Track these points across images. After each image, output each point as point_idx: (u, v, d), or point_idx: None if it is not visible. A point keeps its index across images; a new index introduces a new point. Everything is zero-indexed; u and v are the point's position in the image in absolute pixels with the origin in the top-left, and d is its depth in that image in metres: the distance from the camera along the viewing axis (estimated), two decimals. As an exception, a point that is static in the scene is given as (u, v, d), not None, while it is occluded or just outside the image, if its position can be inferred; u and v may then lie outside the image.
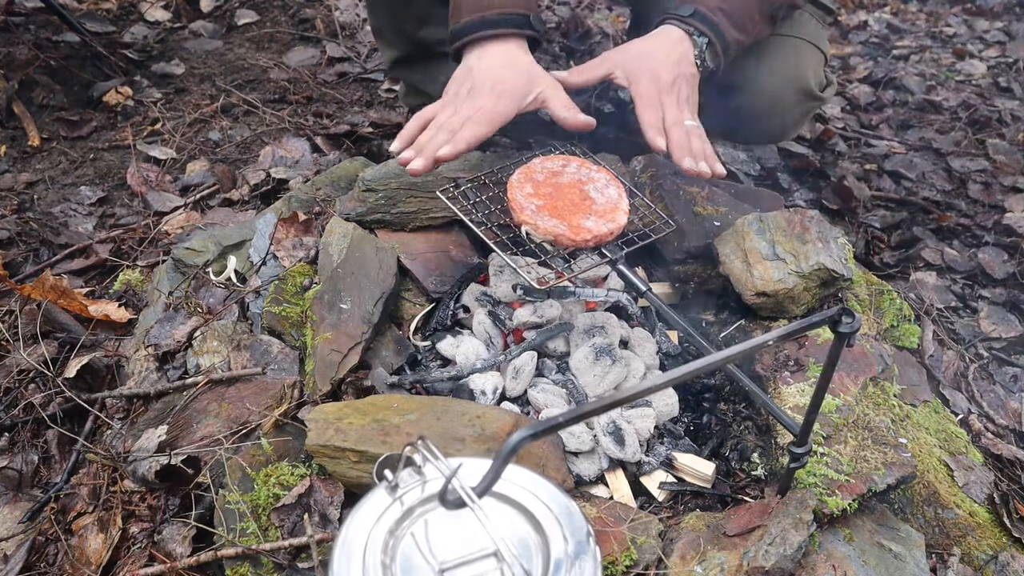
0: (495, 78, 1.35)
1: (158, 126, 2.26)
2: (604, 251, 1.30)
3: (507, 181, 1.34)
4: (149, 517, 1.16)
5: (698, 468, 1.25)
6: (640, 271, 1.60)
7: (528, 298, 1.39)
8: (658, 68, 1.39)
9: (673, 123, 1.36)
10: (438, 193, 1.36)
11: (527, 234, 1.27)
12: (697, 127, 1.38)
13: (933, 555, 1.20)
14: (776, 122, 1.73)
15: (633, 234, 1.35)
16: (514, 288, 1.40)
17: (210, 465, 1.16)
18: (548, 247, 1.28)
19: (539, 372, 1.36)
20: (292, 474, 1.14)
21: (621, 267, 1.31)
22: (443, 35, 1.86)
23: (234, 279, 1.53)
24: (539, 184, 1.31)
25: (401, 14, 1.81)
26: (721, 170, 1.36)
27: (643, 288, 1.30)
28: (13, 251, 1.77)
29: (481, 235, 1.29)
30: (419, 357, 1.43)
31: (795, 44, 1.67)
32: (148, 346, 1.39)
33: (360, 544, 0.63)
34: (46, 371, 1.38)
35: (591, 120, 1.39)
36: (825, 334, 1.35)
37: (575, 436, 1.22)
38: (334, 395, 1.26)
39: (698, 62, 1.42)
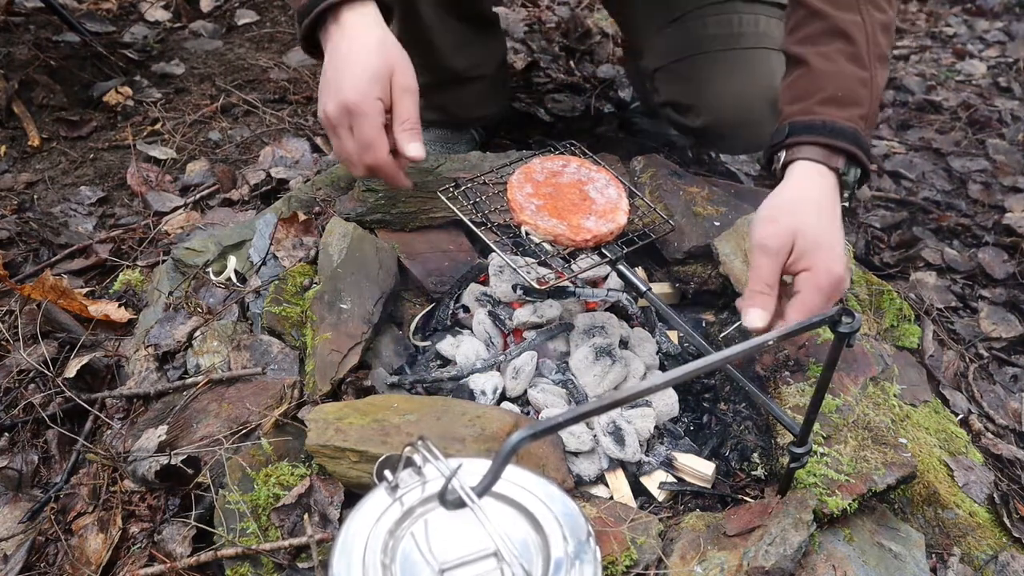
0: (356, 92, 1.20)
1: (158, 126, 2.25)
2: (604, 251, 1.30)
3: (507, 181, 1.34)
4: (149, 517, 1.16)
5: (698, 468, 1.25)
6: (640, 271, 1.60)
7: (528, 298, 1.39)
8: (830, 243, 1.13)
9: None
10: (438, 193, 1.36)
11: (527, 234, 1.27)
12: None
13: (933, 555, 1.20)
14: (751, 132, 1.71)
15: (633, 234, 1.35)
16: (514, 288, 1.40)
17: (210, 465, 1.16)
18: (548, 247, 1.28)
19: (539, 372, 1.36)
20: (292, 474, 1.14)
21: (621, 267, 1.31)
22: (473, 59, 1.86)
23: (234, 279, 1.53)
24: (539, 184, 1.31)
25: (434, 46, 1.78)
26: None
27: (643, 288, 1.30)
28: (13, 251, 1.77)
29: (481, 235, 1.29)
30: (419, 357, 1.43)
31: (763, 55, 1.66)
32: (148, 346, 1.39)
33: (360, 544, 0.63)
34: (46, 371, 1.38)
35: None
36: (825, 334, 1.35)
37: (575, 436, 1.22)
38: (334, 395, 1.26)
39: (846, 205, 1.19)
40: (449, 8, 1.75)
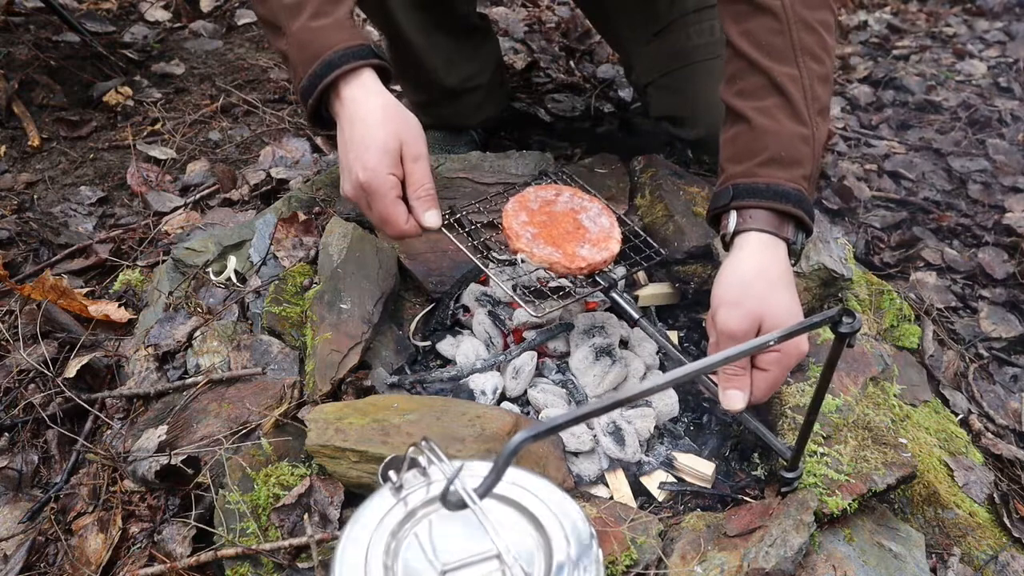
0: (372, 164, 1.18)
1: (158, 126, 2.25)
2: (597, 279, 1.30)
3: (502, 209, 1.35)
4: (149, 517, 1.16)
5: (698, 468, 1.25)
6: (640, 272, 1.60)
7: (528, 298, 1.39)
8: (780, 316, 1.12)
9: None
10: None
11: (522, 261, 1.28)
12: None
13: (933, 555, 1.20)
14: None
15: (625, 263, 1.39)
16: (514, 288, 1.40)
17: (210, 465, 1.16)
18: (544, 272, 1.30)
19: (539, 372, 1.36)
20: (292, 474, 1.14)
21: (615, 295, 1.32)
22: (468, 72, 1.86)
23: (234, 279, 1.53)
24: (533, 212, 1.33)
25: (425, 66, 1.79)
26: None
27: (636, 316, 1.31)
28: (13, 251, 1.77)
29: (477, 263, 1.32)
30: (419, 357, 1.43)
31: None
32: (148, 346, 1.39)
33: (363, 545, 0.63)
34: (46, 371, 1.38)
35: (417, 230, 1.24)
36: (825, 334, 1.35)
37: (575, 436, 1.22)
38: (334, 395, 1.26)
39: (793, 260, 1.18)
40: (434, 25, 1.75)
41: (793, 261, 1.18)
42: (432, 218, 1.21)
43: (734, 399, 1.11)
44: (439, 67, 1.81)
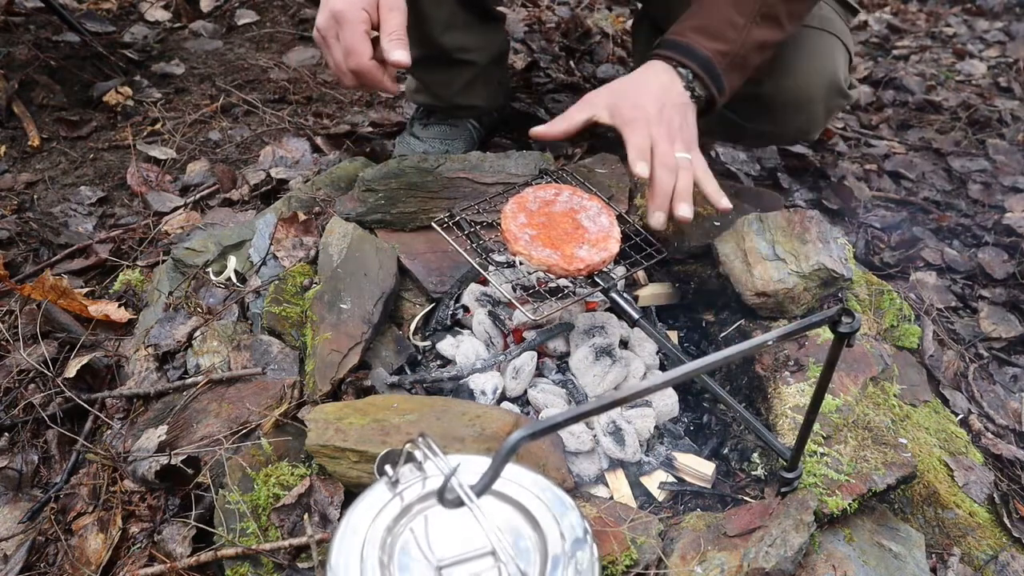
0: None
1: (158, 126, 2.25)
2: (596, 279, 1.30)
3: (501, 210, 1.35)
4: (149, 517, 1.16)
5: (698, 468, 1.25)
6: (640, 272, 1.60)
7: (528, 298, 1.39)
8: (641, 98, 1.32)
9: (661, 160, 1.28)
10: (433, 224, 1.37)
11: (521, 263, 1.28)
12: (689, 160, 1.31)
13: (933, 555, 1.20)
14: (804, 117, 1.66)
15: (625, 262, 1.38)
16: (514, 288, 1.40)
17: (210, 465, 1.16)
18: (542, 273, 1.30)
19: (539, 372, 1.36)
20: (292, 474, 1.14)
21: (614, 295, 1.32)
22: (465, 42, 1.86)
23: (234, 279, 1.53)
24: (532, 214, 1.32)
25: (426, 17, 1.79)
26: (726, 205, 1.32)
27: (636, 316, 1.31)
28: (13, 251, 1.77)
29: (476, 266, 1.32)
30: (419, 357, 1.43)
31: (824, 37, 1.61)
32: (148, 346, 1.39)
33: (359, 539, 0.63)
34: (46, 371, 1.38)
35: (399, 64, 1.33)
36: (825, 334, 1.35)
37: (575, 436, 1.22)
38: (334, 395, 1.26)
39: (689, 92, 1.35)
40: None
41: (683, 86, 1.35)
42: (401, 55, 1.31)
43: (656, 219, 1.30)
44: (438, 23, 1.80)
